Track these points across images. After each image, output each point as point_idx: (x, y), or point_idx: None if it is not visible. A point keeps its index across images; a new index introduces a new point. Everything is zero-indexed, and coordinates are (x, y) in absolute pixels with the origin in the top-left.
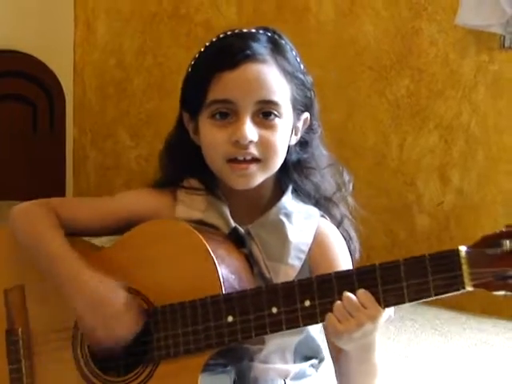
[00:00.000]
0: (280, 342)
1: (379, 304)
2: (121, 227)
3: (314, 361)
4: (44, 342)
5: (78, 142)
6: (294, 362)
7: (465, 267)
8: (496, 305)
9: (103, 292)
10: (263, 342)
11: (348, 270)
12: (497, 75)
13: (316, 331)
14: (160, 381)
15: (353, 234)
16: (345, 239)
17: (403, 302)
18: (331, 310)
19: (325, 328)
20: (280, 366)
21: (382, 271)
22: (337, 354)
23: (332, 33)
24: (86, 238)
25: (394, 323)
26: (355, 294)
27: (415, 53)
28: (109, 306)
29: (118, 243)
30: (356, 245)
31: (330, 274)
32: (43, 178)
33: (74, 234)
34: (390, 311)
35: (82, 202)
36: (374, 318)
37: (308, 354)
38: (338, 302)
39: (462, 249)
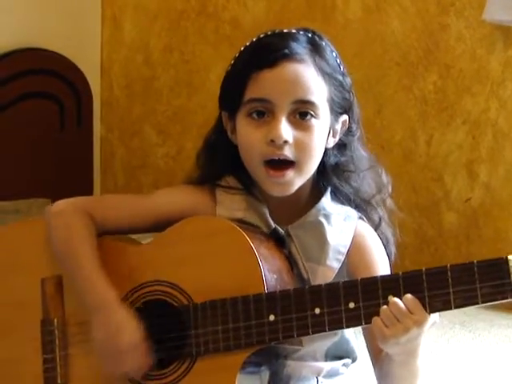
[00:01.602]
0: (318, 344)
1: (425, 309)
2: (160, 224)
3: (347, 360)
4: (79, 332)
5: (106, 140)
6: (325, 361)
7: None
8: None
9: (120, 325)
10: (301, 343)
11: (394, 274)
12: None
13: (350, 333)
14: (197, 377)
15: (390, 236)
16: (382, 242)
17: (450, 309)
18: (375, 313)
19: (365, 330)
20: (313, 363)
21: (428, 277)
22: (377, 356)
23: (359, 30)
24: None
25: None
26: (401, 299)
27: (442, 49)
28: (121, 341)
29: (158, 239)
30: (392, 248)
31: (375, 277)
32: (71, 175)
33: (112, 233)
34: (435, 316)
35: (120, 201)
36: (420, 324)
37: (339, 354)
38: (385, 306)
39: (511, 257)
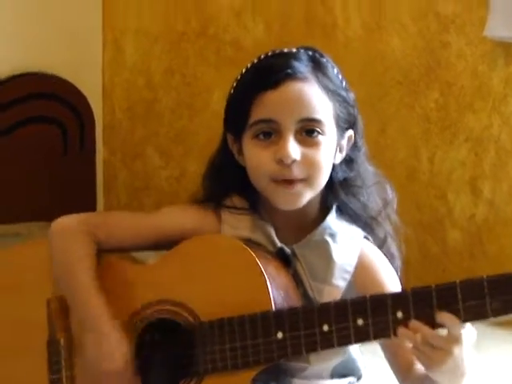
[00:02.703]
0: (325, 363)
1: (432, 325)
2: (164, 243)
3: (352, 378)
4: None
5: (108, 163)
6: (331, 379)
7: None
8: None
9: (108, 348)
10: (308, 361)
11: (403, 291)
12: None
13: (357, 351)
14: None
15: (395, 252)
16: (387, 258)
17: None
18: (384, 330)
19: (387, 350)
20: (320, 381)
21: (437, 292)
22: (406, 374)
23: (360, 48)
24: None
25: None
26: (410, 315)
27: (444, 66)
28: (109, 365)
29: (165, 257)
30: (398, 263)
31: (384, 293)
32: (74, 199)
33: (114, 250)
34: (472, 332)
35: (124, 218)
36: (458, 340)
37: (345, 372)
38: (418, 337)
39: None
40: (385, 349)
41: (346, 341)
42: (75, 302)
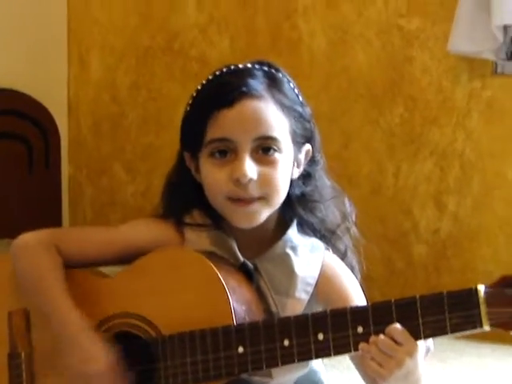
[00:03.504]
0: (287, 377)
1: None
2: (126, 257)
3: None
4: (48, 366)
5: (74, 179)
6: None
7: (483, 307)
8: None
9: (91, 350)
10: (271, 376)
11: (363, 306)
12: (490, 101)
13: (320, 364)
14: None
15: (355, 264)
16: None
17: (419, 339)
18: (345, 345)
19: (356, 361)
20: None
21: (397, 307)
22: (373, 382)
23: (325, 63)
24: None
25: None
26: (370, 330)
27: (408, 81)
28: (94, 365)
29: (126, 271)
30: (357, 275)
31: (345, 308)
32: (40, 215)
33: (78, 265)
34: (428, 344)
35: (86, 233)
36: (412, 354)
37: None
38: (372, 347)
39: (481, 288)
40: (351, 358)
41: (306, 356)
42: (47, 311)
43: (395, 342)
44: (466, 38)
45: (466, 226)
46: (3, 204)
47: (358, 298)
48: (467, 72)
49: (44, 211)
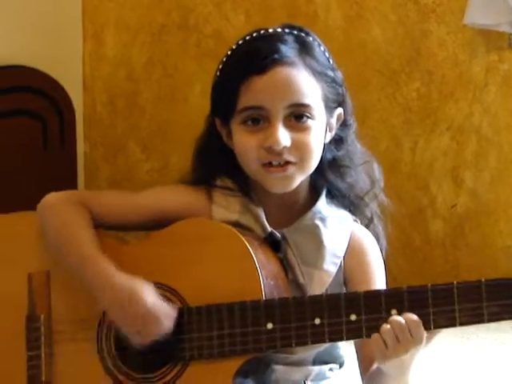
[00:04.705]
0: (308, 352)
1: (429, 325)
2: (153, 223)
3: (334, 365)
4: (66, 331)
5: (90, 157)
6: (313, 365)
7: None
8: None
9: (132, 291)
10: (292, 351)
11: (398, 288)
12: (507, 74)
13: None
14: (188, 381)
15: (381, 231)
16: (374, 237)
17: (454, 325)
18: (377, 327)
19: (357, 346)
20: (301, 367)
21: (434, 293)
22: (368, 367)
23: (341, 38)
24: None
25: None
26: (403, 315)
27: (425, 55)
28: (137, 306)
29: (153, 239)
30: (383, 242)
31: (379, 290)
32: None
33: (105, 227)
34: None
35: (113, 196)
36: (419, 345)
37: (327, 359)
38: (388, 326)
39: None
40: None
41: (337, 336)
42: (78, 262)
43: (409, 331)
44: (483, 10)
45: (484, 201)
46: (18, 181)
47: (379, 276)
48: (484, 45)
49: (59, 189)
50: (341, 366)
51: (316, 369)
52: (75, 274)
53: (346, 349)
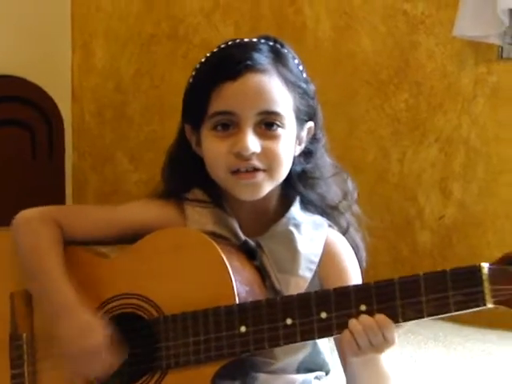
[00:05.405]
0: (292, 358)
1: (397, 318)
2: (125, 237)
3: (320, 373)
4: (49, 348)
5: (78, 167)
6: (297, 373)
7: (486, 284)
8: (503, 317)
9: (87, 326)
10: (275, 357)
11: (366, 284)
12: (495, 86)
13: (324, 345)
14: None
15: (359, 242)
16: (352, 248)
17: (422, 317)
18: (347, 323)
19: (336, 340)
20: (286, 375)
21: (401, 285)
22: (346, 358)
23: (330, 49)
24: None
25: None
26: (373, 308)
27: (413, 66)
28: (88, 340)
29: (128, 251)
30: (362, 254)
31: (348, 286)
32: (43, 203)
33: (77, 242)
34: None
35: (86, 211)
36: (392, 344)
37: (311, 367)
38: (360, 327)
39: (485, 265)
40: (336, 340)
41: (309, 335)
42: (43, 285)
43: (382, 334)
44: (472, 22)
45: (472, 213)
46: (6, 191)
47: (355, 280)
48: (473, 57)
49: (47, 199)
50: (327, 374)
51: (300, 377)
52: (42, 297)
53: (332, 356)
